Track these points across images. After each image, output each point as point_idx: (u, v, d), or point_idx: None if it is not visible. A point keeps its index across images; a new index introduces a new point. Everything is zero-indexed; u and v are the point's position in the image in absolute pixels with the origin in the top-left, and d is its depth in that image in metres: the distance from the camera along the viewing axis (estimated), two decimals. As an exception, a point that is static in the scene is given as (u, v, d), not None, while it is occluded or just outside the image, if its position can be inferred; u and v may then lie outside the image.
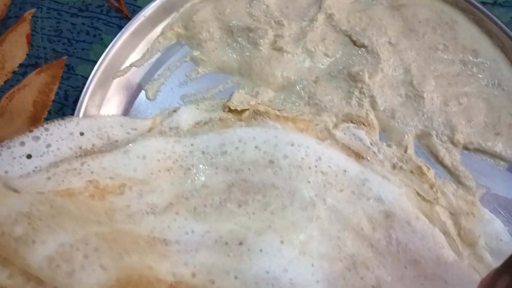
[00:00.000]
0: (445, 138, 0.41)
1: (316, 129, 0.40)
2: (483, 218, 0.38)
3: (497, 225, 0.38)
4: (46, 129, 0.36)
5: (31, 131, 0.35)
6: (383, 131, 0.41)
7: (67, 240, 0.28)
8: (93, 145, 0.37)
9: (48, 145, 0.36)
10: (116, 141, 0.39)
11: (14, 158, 0.34)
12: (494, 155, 0.41)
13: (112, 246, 0.30)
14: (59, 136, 0.36)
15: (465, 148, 0.41)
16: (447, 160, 0.40)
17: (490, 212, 0.38)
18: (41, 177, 0.34)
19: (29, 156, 0.35)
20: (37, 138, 0.35)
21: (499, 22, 0.43)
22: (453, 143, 0.40)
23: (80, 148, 0.37)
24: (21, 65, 0.43)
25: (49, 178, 0.34)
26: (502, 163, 0.40)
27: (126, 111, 0.42)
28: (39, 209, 0.29)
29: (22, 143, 0.35)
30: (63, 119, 0.36)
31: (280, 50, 0.43)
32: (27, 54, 0.43)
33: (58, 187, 0.34)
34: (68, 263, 0.27)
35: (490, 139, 0.40)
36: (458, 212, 0.38)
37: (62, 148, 0.36)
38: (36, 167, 0.34)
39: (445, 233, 0.36)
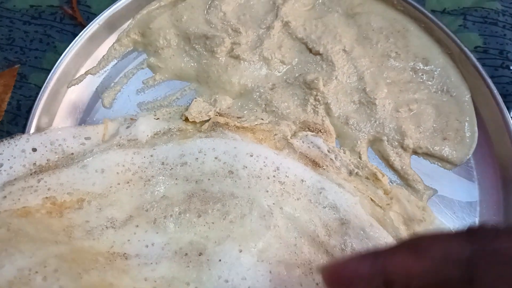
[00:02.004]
0: (396, 143, 0.42)
1: (275, 138, 0.41)
2: (433, 223, 0.40)
3: (446, 230, 0.40)
4: (-4, 150, 0.35)
5: (-20, 154, 0.35)
6: (337, 137, 0.43)
7: (25, 263, 0.29)
8: (48, 160, 0.37)
9: (0, 165, 0.35)
10: (72, 153, 0.38)
11: (-34, 181, 0.33)
12: (441, 159, 0.43)
13: (71, 266, 0.30)
14: (10, 155, 0.36)
15: (415, 152, 0.43)
16: (397, 164, 0.42)
17: (437, 212, 0.40)
18: (-5, 197, 0.34)
19: (-19, 178, 0.34)
20: (-13, 160, 0.35)
21: (447, 30, 0.44)
22: (403, 147, 0.42)
23: (34, 164, 0.36)
24: (-30, 74, 0.41)
25: (4, 197, 0.34)
26: (448, 166, 0.42)
27: (83, 120, 0.42)
28: (-4, 233, 0.29)
29: (-27, 166, 0.34)
30: (12, 137, 0.36)
31: (237, 57, 0.44)
32: (-23, 63, 0.41)
33: (14, 206, 0.34)
34: (27, 287, 0.27)
35: (438, 143, 0.42)
36: (411, 217, 0.39)
37: (15, 166, 0.36)
38: (-11, 187, 0.34)
39: (398, 238, 0.38)
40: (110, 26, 0.43)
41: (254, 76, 0.44)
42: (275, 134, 0.41)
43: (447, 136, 0.42)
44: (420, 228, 0.39)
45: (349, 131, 0.42)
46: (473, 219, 0.41)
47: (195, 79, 0.44)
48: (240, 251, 0.35)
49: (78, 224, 0.35)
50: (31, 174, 0.36)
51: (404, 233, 0.39)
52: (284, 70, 0.44)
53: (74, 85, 0.42)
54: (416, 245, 0.22)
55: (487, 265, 0.20)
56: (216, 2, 0.45)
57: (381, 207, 0.40)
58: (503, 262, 0.19)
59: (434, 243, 0.22)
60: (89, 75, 0.43)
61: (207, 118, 0.41)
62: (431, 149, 0.42)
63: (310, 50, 0.44)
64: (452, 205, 0.41)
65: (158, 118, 0.42)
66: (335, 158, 0.41)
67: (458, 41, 0.44)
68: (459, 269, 0.20)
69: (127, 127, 0.41)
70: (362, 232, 0.37)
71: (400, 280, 0.22)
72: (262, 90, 0.43)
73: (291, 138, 0.41)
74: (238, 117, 0.42)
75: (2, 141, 0.36)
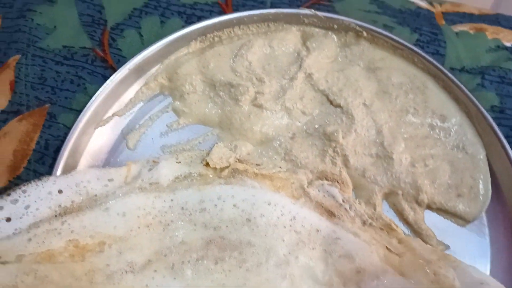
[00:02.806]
0: (411, 197, 0.43)
1: (292, 187, 0.42)
2: (457, 266, 0.39)
3: (473, 271, 0.39)
4: (24, 191, 0.37)
5: (8, 195, 0.36)
6: (354, 188, 0.43)
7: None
8: (72, 201, 0.38)
9: (27, 207, 0.36)
10: (95, 195, 0.39)
11: (-6, 223, 0.34)
12: (454, 215, 0.43)
13: (93, 312, 0.31)
14: (37, 196, 0.37)
15: (429, 207, 0.43)
16: (411, 218, 0.43)
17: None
18: (22, 239, 0.35)
19: (8, 219, 0.35)
20: (15, 201, 0.36)
21: (465, 89, 0.45)
22: (418, 202, 0.43)
23: (60, 206, 0.37)
24: (2, 112, 0.43)
25: (29, 240, 0.35)
26: (461, 222, 0.43)
27: (107, 161, 0.43)
28: (24, 280, 0.29)
29: (1, 208, 0.35)
30: (40, 179, 0.37)
31: (260, 106, 0.45)
32: (9, 101, 0.43)
33: (39, 249, 0.35)
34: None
35: (452, 199, 0.43)
36: (428, 261, 0.39)
37: (41, 208, 0.37)
38: (16, 229, 0.35)
39: (419, 283, 0.38)
40: (139, 70, 0.45)
41: (276, 125, 0.45)
42: (293, 183, 0.42)
43: (461, 193, 0.43)
44: (442, 270, 0.38)
45: (365, 183, 0.43)
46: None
47: (218, 125, 0.45)
48: (256, 300, 0.35)
49: (99, 268, 0.36)
50: (55, 216, 0.37)
51: (422, 278, 0.38)
52: (305, 120, 0.45)
53: (101, 126, 0.43)
54: None
55: None
56: (243, 51, 0.46)
57: (396, 254, 0.40)
58: None
59: None
60: (115, 116, 0.44)
61: (227, 165, 0.42)
62: (445, 205, 0.43)
63: (331, 102, 0.46)
64: (463, 260, 0.41)
65: (179, 162, 0.43)
66: (349, 208, 0.42)
67: (475, 100, 0.45)
68: None
69: (149, 170, 0.42)
70: (376, 279, 0.38)
71: None
72: (282, 139, 0.44)
73: (307, 187, 0.42)
74: (257, 164, 0.43)
75: (30, 182, 0.37)
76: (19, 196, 0.36)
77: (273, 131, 0.45)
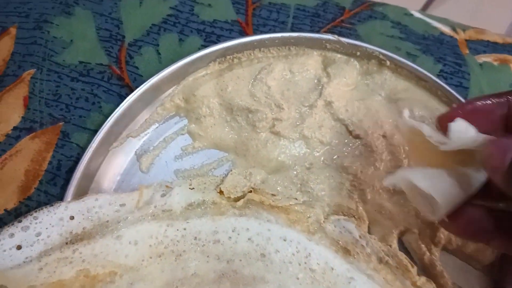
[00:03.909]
0: (427, 237, 0.42)
1: (308, 221, 0.41)
2: None
3: None
4: (35, 218, 0.36)
5: (19, 221, 0.35)
6: (369, 224, 0.42)
7: None
8: (83, 228, 0.37)
9: (38, 234, 0.35)
10: (107, 221, 0.38)
11: (4, 250, 0.34)
12: (470, 257, 0.42)
13: None
14: (48, 223, 0.36)
15: (445, 248, 0.42)
16: (426, 259, 0.42)
17: None
18: (32, 268, 0.34)
19: (19, 247, 0.34)
20: (26, 228, 0.35)
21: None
22: (434, 242, 0.42)
23: (71, 233, 0.36)
24: (15, 128, 0.41)
25: (41, 269, 0.34)
26: (477, 265, 0.42)
27: (119, 183, 0.42)
28: (36, 315, 0.29)
29: (12, 235, 0.34)
30: (52, 205, 0.36)
31: (277, 134, 0.44)
32: (22, 117, 0.42)
33: (50, 279, 0.34)
34: None
35: (469, 241, 0.42)
36: None
37: (52, 235, 0.36)
38: (27, 257, 0.34)
39: None
40: (156, 90, 0.44)
41: (292, 154, 0.44)
42: (309, 217, 0.41)
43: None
44: None
45: (381, 219, 0.42)
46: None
47: (233, 151, 0.44)
48: None
49: (108, 300, 0.35)
50: (66, 243, 0.36)
51: None
52: (323, 150, 0.44)
53: (115, 147, 0.42)
54: None
55: None
56: (262, 75, 0.45)
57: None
58: None
59: None
60: (130, 138, 0.43)
61: (242, 194, 0.41)
62: (462, 246, 0.42)
63: (350, 133, 0.45)
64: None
65: (193, 188, 0.42)
66: (366, 244, 0.41)
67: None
68: None
69: (162, 195, 0.41)
70: None
71: None
72: (299, 169, 0.43)
73: (324, 222, 0.41)
74: (272, 195, 0.42)
75: (42, 209, 0.36)
76: (30, 223, 0.35)
77: (289, 160, 0.44)
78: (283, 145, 0.44)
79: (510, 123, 0.30)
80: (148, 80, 0.42)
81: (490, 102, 0.30)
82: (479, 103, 0.31)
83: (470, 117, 0.30)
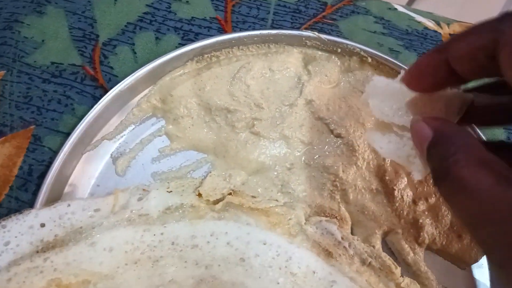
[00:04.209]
0: (411, 237, 0.41)
1: (289, 223, 0.40)
2: None
3: None
4: (3, 226, 0.34)
5: (-13, 231, 0.34)
6: (352, 225, 0.42)
7: None
8: (55, 235, 0.36)
9: (7, 243, 0.34)
10: (81, 227, 0.37)
11: (-28, 261, 0.32)
12: (455, 257, 0.41)
13: None
14: (17, 231, 0.35)
15: (429, 248, 0.41)
16: (410, 259, 0.41)
17: None
18: (1, 279, 0.32)
19: (-14, 257, 0.33)
20: (-6, 237, 0.34)
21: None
22: (418, 242, 0.41)
23: (42, 241, 0.35)
24: (-16, 133, 0.40)
25: (9, 279, 0.33)
26: (462, 265, 0.41)
27: (94, 187, 0.41)
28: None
29: (-21, 245, 0.33)
30: (21, 212, 0.35)
31: (257, 134, 0.43)
32: (-9, 121, 0.40)
33: (19, 290, 0.32)
34: None
35: (453, 241, 0.41)
36: None
37: (22, 244, 0.34)
38: (-5, 267, 0.33)
39: None
40: (132, 91, 0.43)
41: (273, 154, 0.43)
42: (290, 219, 0.40)
43: (463, 235, 0.41)
44: None
45: (364, 220, 0.41)
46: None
47: (212, 152, 0.43)
48: None
49: (81, 310, 0.34)
50: (37, 252, 0.35)
51: None
52: (304, 150, 0.43)
53: (89, 150, 0.41)
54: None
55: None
56: (241, 74, 0.44)
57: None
58: None
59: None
60: (105, 140, 0.41)
61: (221, 197, 0.40)
62: (446, 246, 0.41)
63: (332, 132, 0.44)
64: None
65: (171, 191, 0.41)
66: (348, 246, 0.40)
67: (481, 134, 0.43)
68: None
69: (139, 199, 0.39)
70: None
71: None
72: (279, 170, 0.42)
73: (305, 224, 0.40)
74: (252, 196, 0.41)
75: (11, 217, 0.34)
76: (-2, 232, 0.34)
77: (270, 160, 0.43)
78: (263, 145, 0.43)
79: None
80: (123, 81, 0.41)
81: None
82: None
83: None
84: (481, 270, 0.41)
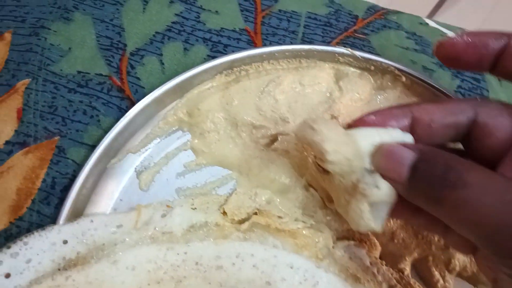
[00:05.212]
0: (441, 263, 0.40)
1: (317, 246, 0.38)
2: None
3: None
4: (25, 243, 0.33)
5: (8, 247, 0.33)
6: (381, 252, 0.40)
7: None
8: (78, 253, 0.35)
9: (29, 260, 0.33)
10: (103, 244, 0.36)
11: (-8, 279, 0.31)
12: (485, 285, 0.39)
13: None
14: (40, 248, 0.34)
15: (459, 275, 0.40)
16: (440, 286, 0.39)
17: None
18: (22, 298, 0.31)
19: (7, 275, 0.32)
20: (16, 254, 0.33)
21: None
22: (449, 269, 0.40)
23: (64, 258, 0.34)
24: (7, 142, 0.39)
25: (30, 299, 0.32)
26: (495, 294, 0.39)
27: (117, 202, 0.40)
28: None
29: (0, 262, 0.32)
30: (43, 229, 0.34)
31: (278, 151, 0.41)
32: (15, 131, 0.39)
33: (40, 310, 0.31)
34: None
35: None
36: None
37: (43, 261, 0.33)
38: (15, 286, 0.32)
39: None
40: (159, 103, 0.41)
41: (293, 173, 0.41)
42: (317, 242, 0.39)
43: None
44: None
45: (393, 247, 0.40)
46: None
47: (237, 169, 0.42)
48: None
49: (102, 332, 0.32)
50: (59, 270, 0.34)
51: None
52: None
53: (114, 164, 0.40)
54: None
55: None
56: (270, 88, 0.43)
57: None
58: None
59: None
60: (129, 153, 0.40)
61: (246, 216, 0.39)
62: (478, 273, 0.39)
63: (359, 152, 0.42)
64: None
65: (195, 208, 0.39)
66: (377, 272, 0.39)
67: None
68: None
69: (163, 216, 0.38)
70: None
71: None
72: (299, 192, 0.41)
73: (333, 247, 0.39)
74: (279, 217, 0.40)
75: (33, 233, 0.33)
76: (20, 249, 0.33)
77: (290, 181, 0.41)
78: (286, 164, 0.41)
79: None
80: (151, 94, 0.40)
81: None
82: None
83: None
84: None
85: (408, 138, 0.29)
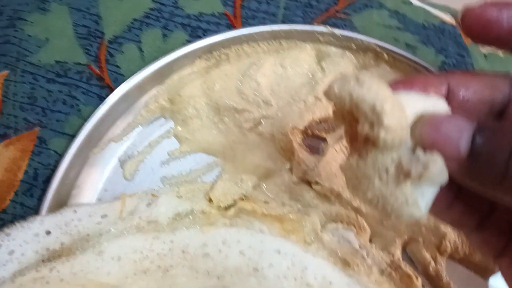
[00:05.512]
0: (432, 245, 0.39)
1: (304, 231, 0.38)
2: None
3: None
4: (8, 234, 0.33)
5: (-10, 239, 0.32)
6: (371, 235, 0.40)
7: None
8: (62, 243, 0.34)
9: (11, 252, 0.33)
10: (88, 234, 0.36)
11: (-25, 272, 0.31)
12: (478, 267, 0.39)
13: None
14: (22, 240, 0.33)
15: (451, 257, 0.40)
16: (431, 269, 0.39)
17: None
18: (6, 291, 0.31)
19: (-10, 268, 0.32)
20: (-2, 246, 0.32)
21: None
22: (440, 251, 0.39)
23: (48, 249, 0.34)
24: (-12, 135, 0.39)
25: (14, 291, 0.31)
26: (485, 275, 0.39)
27: (102, 192, 0.39)
28: None
29: (-18, 255, 0.32)
30: (26, 219, 0.33)
31: (262, 135, 0.41)
32: (-5, 123, 0.39)
33: (24, 302, 0.31)
34: None
35: (476, 250, 0.39)
36: None
37: (27, 253, 0.33)
38: (-1, 278, 0.31)
39: None
40: (139, 90, 0.41)
41: (278, 158, 0.41)
42: (304, 226, 0.38)
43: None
44: None
45: (383, 230, 0.40)
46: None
47: (222, 155, 0.41)
48: None
49: (87, 323, 0.32)
50: (43, 261, 0.33)
51: None
52: (313, 153, 0.41)
53: (95, 153, 0.39)
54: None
55: None
56: (251, 71, 0.42)
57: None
58: None
59: None
60: (112, 142, 0.40)
61: (232, 202, 0.39)
62: (469, 255, 0.39)
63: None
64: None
65: (181, 196, 0.39)
66: (366, 255, 0.39)
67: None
68: None
69: (148, 205, 0.38)
70: None
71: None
72: (286, 176, 0.40)
73: (321, 231, 0.38)
74: (265, 202, 0.39)
75: (15, 224, 0.33)
76: (3, 241, 0.33)
77: (275, 165, 0.41)
78: (269, 148, 0.41)
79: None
80: (130, 79, 0.39)
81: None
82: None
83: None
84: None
85: (449, 110, 0.24)
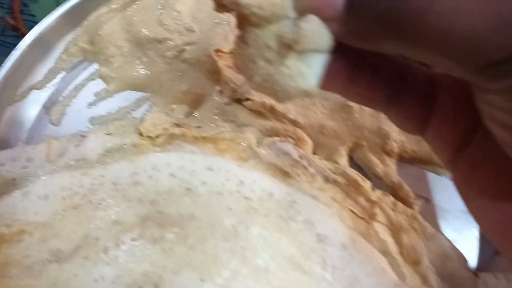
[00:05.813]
0: (378, 148, 0.38)
1: (239, 148, 0.37)
2: (425, 232, 0.35)
3: (442, 240, 0.35)
4: None
5: None
6: (314, 147, 0.38)
7: None
8: (-15, 190, 0.33)
9: None
10: (14, 179, 0.35)
11: None
12: (431, 163, 0.38)
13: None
14: None
15: (400, 157, 0.38)
16: (381, 172, 0.37)
17: (431, 224, 0.35)
18: None
19: None
20: None
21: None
22: (387, 152, 0.38)
23: (-28, 195, 0.33)
24: None
25: None
26: (440, 170, 0.38)
27: (29, 140, 0.38)
28: None
29: None
30: None
31: (187, 61, 0.39)
32: None
33: None
34: None
35: (426, 145, 0.38)
36: (398, 228, 0.35)
37: None
38: None
39: (386, 253, 0.33)
40: (55, 34, 0.39)
41: (207, 82, 0.39)
42: (239, 143, 0.37)
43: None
44: (410, 241, 0.34)
45: (325, 140, 0.38)
46: (470, 229, 0.36)
47: (150, 89, 0.40)
48: (202, 280, 0.31)
49: (15, 260, 0.31)
50: (-34, 206, 0.32)
51: (392, 246, 0.34)
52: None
53: (16, 102, 0.38)
54: None
55: None
56: (170, 1, 0.41)
57: (363, 219, 0.35)
58: None
59: None
60: (34, 90, 0.39)
61: (163, 132, 0.37)
62: (419, 151, 0.38)
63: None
64: (446, 214, 0.36)
65: (110, 133, 0.38)
66: (308, 164, 0.37)
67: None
68: None
69: (76, 146, 0.37)
70: (343, 249, 0.33)
71: None
72: (217, 98, 0.39)
73: (257, 146, 0.37)
74: (197, 127, 0.38)
75: None
76: None
77: (204, 90, 0.39)
78: (196, 74, 0.39)
79: None
80: (41, 21, 0.38)
81: None
82: None
83: None
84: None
85: None
